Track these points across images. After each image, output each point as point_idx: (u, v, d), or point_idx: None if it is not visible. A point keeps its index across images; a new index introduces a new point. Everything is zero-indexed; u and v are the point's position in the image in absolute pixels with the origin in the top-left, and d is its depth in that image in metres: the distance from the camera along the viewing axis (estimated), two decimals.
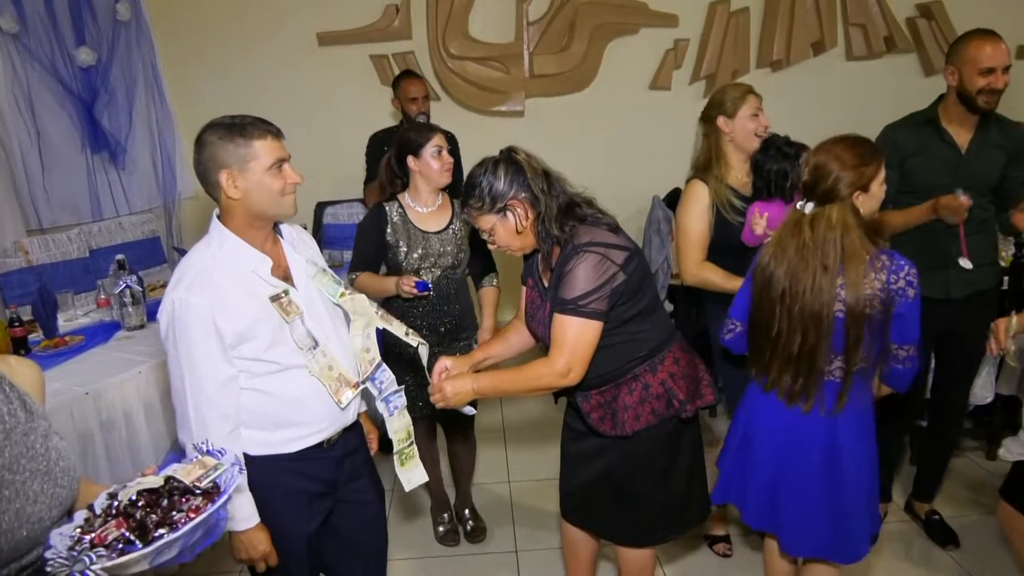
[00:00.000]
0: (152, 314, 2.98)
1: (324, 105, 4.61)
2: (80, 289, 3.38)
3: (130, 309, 2.93)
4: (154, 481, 1.18)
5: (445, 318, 2.58)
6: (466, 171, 2.50)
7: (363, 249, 2.57)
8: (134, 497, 1.15)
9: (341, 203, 4.18)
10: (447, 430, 2.88)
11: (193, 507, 1.15)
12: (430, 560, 2.81)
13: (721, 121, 2.40)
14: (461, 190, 2.69)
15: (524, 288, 2.01)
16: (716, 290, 2.38)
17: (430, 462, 2.86)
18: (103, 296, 3.22)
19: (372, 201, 3.89)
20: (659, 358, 1.86)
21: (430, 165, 2.47)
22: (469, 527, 2.96)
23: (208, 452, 1.28)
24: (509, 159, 1.81)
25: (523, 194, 1.78)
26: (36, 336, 2.83)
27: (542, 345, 1.94)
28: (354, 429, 1.85)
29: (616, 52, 4.70)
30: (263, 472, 1.66)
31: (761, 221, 2.28)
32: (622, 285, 1.75)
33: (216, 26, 4.51)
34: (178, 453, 1.27)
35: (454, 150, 2.76)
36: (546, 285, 1.87)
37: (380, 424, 1.91)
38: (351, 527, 1.87)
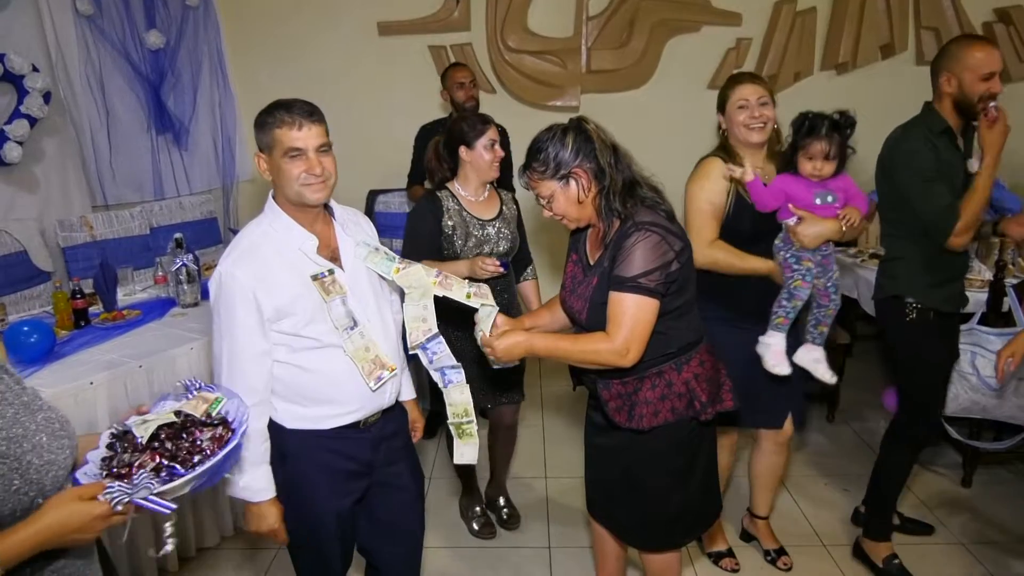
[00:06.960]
0: (206, 293, 3.06)
1: (381, 94, 4.66)
2: (139, 265, 3.51)
3: (185, 287, 3.02)
4: (168, 416, 1.23)
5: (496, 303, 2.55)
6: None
7: (418, 239, 2.50)
8: (155, 431, 1.18)
9: (392, 192, 4.22)
10: (492, 419, 2.85)
11: (216, 436, 1.21)
12: (463, 550, 2.83)
13: (720, 118, 2.34)
14: (509, 184, 2.70)
15: (568, 263, 1.97)
16: (729, 271, 2.26)
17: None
18: (160, 273, 3.32)
19: (417, 197, 3.92)
20: (686, 358, 1.82)
21: (482, 157, 2.47)
22: (505, 514, 2.97)
23: (201, 388, 1.32)
24: (579, 128, 1.76)
25: (588, 164, 1.74)
26: (96, 308, 2.94)
27: (577, 323, 1.91)
28: (394, 413, 1.87)
29: (676, 50, 4.63)
30: (297, 446, 1.71)
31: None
32: (675, 273, 1.71)
33: (280, 13, 4.61)
34: (167, 395, 1.35)
35: (504, 143, 2.74)
36: (591, 262, 1.85)
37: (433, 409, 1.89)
38: (387, 510, 1.89)
